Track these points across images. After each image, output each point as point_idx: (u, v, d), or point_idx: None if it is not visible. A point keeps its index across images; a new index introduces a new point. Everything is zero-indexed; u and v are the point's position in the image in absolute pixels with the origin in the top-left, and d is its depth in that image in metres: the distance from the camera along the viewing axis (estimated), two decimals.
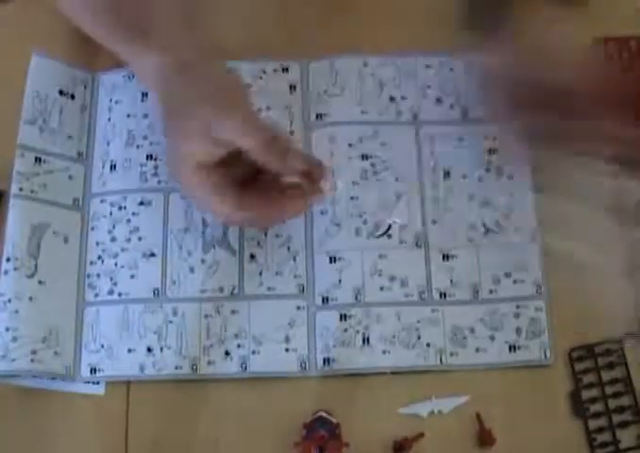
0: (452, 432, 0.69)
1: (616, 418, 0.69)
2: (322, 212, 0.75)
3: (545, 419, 0.69)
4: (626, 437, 0.68)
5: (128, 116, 0.78)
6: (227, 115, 0.64)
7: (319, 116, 0.78)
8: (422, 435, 0.68)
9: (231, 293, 0.73)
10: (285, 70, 0.79)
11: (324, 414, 0.67)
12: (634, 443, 0.68)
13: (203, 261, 0.73)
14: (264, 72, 0.79)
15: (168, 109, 0.67)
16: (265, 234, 0.74)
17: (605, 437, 0.68)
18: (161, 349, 0.71)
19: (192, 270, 0.73)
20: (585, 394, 0.70)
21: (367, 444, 0.68)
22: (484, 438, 0.68)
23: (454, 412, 0.69)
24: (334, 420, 0.67)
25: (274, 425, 0.69)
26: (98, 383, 0.71)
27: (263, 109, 0.77)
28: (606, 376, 0.70)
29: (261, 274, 0.73)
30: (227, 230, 0.74)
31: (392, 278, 0.73)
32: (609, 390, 0.70)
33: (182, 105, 0.66)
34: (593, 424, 0.69)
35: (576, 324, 0.72)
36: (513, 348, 0.71)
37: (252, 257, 0.74)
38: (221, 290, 0.73)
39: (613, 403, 0.69)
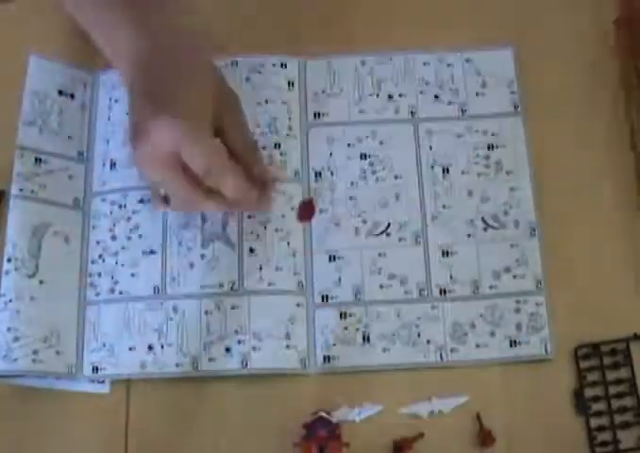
0: (452, 432, 0.69)
1: (618, 418, 0.68)
2: (321, 212, 0.74)
3: (546, 417, 0.69)
4: (626, 438, 0.68)
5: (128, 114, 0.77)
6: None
7: (317, 115, 0.77)
8: (422, 435, 0.68)
9: (231, 289, 0.72)
10: (284, 65, 0.78)
11: (324, 414, 0.67)
12: (634, 444, 0.67)
13: (202, 257, 0.73)
14: (263, 66, 0.78)
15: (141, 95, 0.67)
16: (265, 227, 0.74)
17: (605, 436, 0.68)
18: (162, 347, 0.71)
19: (191, 266, 0.73)
20: (589, 392, 0.69)
21: (367, 444, 0.68)
22: (484, 438, 0.68)
23: (454, 412, 0.69)
24: (334, 420, 0.67)
25: (274, 425, 0.69)
26: (103, 382, 0.72)
27: (262, 103, 0.77)
28: (610, 375, 0.69)
29: (260, 268, 0.73)
30: (227, 224, 0.74)
31: (391, 276, 0.72)
32: (613, 389, 0.69)
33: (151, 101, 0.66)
34: (594, 422, 0.68)
35: (582, 322, 0.71)
36: (513, 343, 0.71)
37: (251, 250, 0.73)
38: (221, 285, 0.72)
39: (615, 403, 0.69)
